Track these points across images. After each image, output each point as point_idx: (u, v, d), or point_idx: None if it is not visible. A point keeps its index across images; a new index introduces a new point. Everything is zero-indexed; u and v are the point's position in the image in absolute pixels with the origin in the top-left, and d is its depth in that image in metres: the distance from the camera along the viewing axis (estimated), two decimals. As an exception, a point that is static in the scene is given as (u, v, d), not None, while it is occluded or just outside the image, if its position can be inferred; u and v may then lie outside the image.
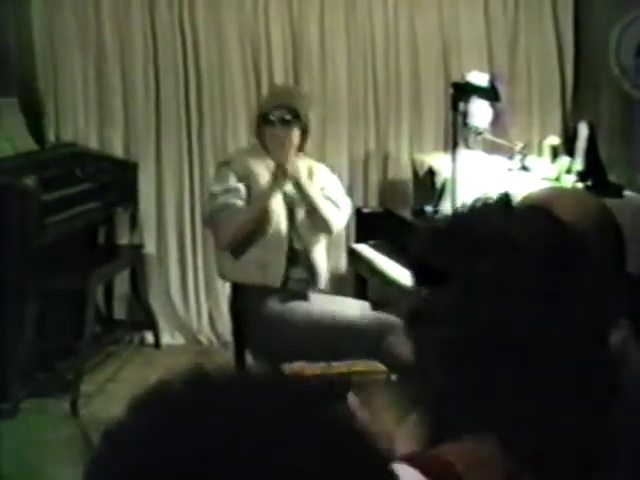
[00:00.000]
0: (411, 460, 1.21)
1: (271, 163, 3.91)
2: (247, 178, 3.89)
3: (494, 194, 1.34)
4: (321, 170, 4.09)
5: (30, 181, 4.43)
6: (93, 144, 5.31)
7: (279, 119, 3.89)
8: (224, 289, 5.36)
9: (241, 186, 3.88)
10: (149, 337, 5.39)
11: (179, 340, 5.42)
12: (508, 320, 1.20)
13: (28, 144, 4.93)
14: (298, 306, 3.83)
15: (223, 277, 4.19)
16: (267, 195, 3.85)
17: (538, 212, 1.36)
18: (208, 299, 5.47)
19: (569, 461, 1.21)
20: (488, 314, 1.21)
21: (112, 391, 4.68)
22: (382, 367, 3.68)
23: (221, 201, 3.86)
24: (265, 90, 5.31)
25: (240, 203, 3.86)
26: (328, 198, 3.97)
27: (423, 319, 1.27)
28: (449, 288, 1.23)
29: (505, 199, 1.34)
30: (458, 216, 1.35)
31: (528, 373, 1.20)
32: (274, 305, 3.81)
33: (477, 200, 1.33)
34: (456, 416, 1.24)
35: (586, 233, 1.49)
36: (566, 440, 1.21)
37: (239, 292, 3.98)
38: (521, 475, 1.19)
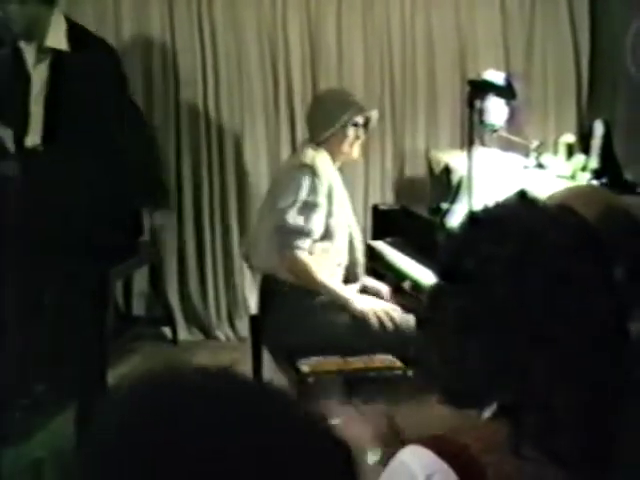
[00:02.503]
0: (426, 442, 1.25)
1: (336, 174, 3.89)
2: (330, 191, 3.80)
3: (512, 193, 1.38)
4: None
5: None
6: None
7: (355, 123, 3.89)
8: (243, 285, 5.41)
9: (326, 203, 3.77)
10: (167, 333, 5.43)
11: (197, 336, 5.45)
12: (531, 302, 1.25)
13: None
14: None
15: (256, 267, 4.13)
16: (350, 305, 3.76)
17: (565, 210, 1.40)
18: (227, 295, 5.49)
19: (582, 439, 1.24)
20: (516, 295, 1.26)
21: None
22: (398, 363, 3.69)
23: (304, 227, 3.72)
24: (283, 89, 5.34)
25: (320, 231, 3.77)
26: None
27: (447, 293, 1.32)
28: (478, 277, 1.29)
29: (524, 197, 1.39)
30: (488, 214, 1.40)
31: (545, 352, 1.24)
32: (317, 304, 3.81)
33: (508, 199, 1.39)
34: (474, 390, 1.29)
35: (608, 230, 1.52)
36: (579, 418, 1.23)
37: (273, 284, 3.91)
38: (533, 459, 1.23)
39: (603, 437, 1.25)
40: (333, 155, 3.89)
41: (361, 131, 3.94)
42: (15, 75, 3.94)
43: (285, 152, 5.26)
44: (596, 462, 1.24)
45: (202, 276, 5.49)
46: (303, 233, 3.73)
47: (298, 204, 3.73)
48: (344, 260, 3.89)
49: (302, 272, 3.74)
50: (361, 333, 3.73)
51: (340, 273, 3.90)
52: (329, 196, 3.78)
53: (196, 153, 5.38)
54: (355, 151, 3.96)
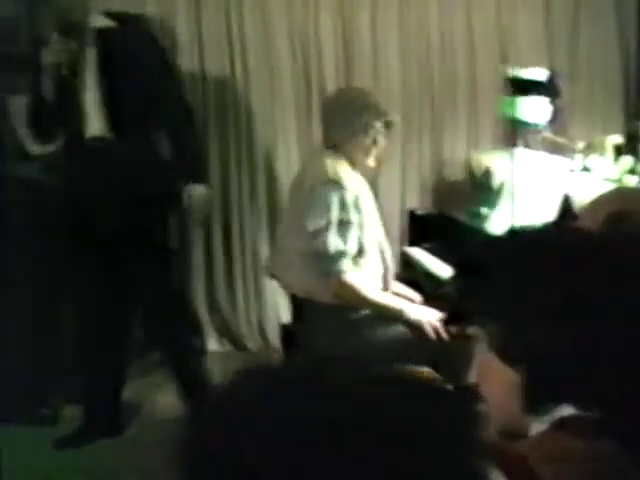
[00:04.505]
0: None
1: (360, 181, 3.69)
2: (357, 203, 3.58)
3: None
4: None
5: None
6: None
7: (381, 130, 3.67)
8: (273, 294, 5.26)
9: (357, 218, 3.57)
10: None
11: (226, 347, 5.32)
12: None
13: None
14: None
15: (288, 289, 3.93)
16: (404, 315, 3.60)
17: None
18: (256, 303, 5.36)
19: None
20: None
21: (157, 398, 4.61)
22: (436, 375, 3.53)
23: (344, 249, 3.51)
24: (316, 90, 5.19)
25: (355, 248, 3.57)
26: None
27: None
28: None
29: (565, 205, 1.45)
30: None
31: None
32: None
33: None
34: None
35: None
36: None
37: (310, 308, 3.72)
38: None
39: None
40: (351, 163, 3.67)
41: (381, 137, 3.69)
42: (67, 70, 3.97)
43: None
44: None
45: (231, 285, 5.36)
46: (344, 255, 3.52)
47: (333, 226, 3.52)
48: (379, 269, 3.72)
49: (352, 295, 3.54)
50: (402, 347, 3.56)
51: (379, 282, 3.72)
52: (357, 208, 3.58)
53: (225, 158, 5.25)
54: (371, 161, 3.70)
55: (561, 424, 1.28)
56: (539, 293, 1.29)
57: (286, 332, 4.00)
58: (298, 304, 3.81)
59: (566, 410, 1.29)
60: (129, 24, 4.11)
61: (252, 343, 5.34)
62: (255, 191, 5.26)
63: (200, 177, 4.17)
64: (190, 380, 4.22)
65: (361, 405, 0.85)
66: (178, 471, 0.87)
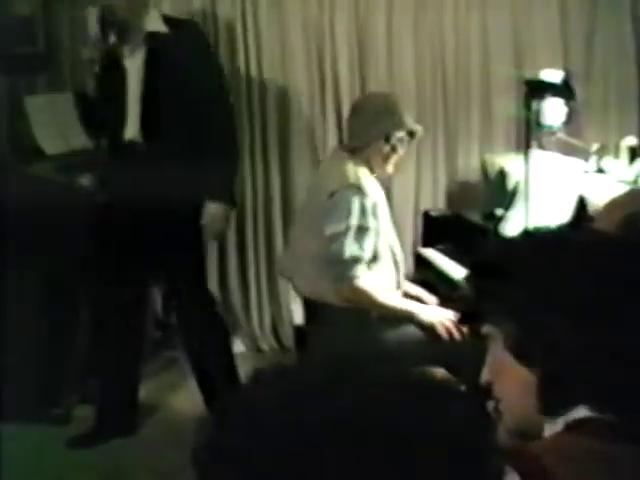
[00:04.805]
0: None
1: (377, 187, 3.69)
2: (375, 209, 3.58)
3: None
4: None
5: (85, 180, 4.35)
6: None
7: (402, 139, 3.68)
8: (286, 295, 5.25)
9: (374, 224, 3.57)
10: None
11: (239, 347, 5.31)
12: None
13: (83, 142, 4.85)
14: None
15: (300, 291, 3.91)
16: (417, 318, 3.59)
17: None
18: (271, 304, 5.35)
19: None
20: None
21: (171, 398, 4.61)
22: (449, 375, 3.51)
23: (360, 255, 3.50)
24: (329, 90, 5.17)
25: (370, 254, 3.57)
26: None
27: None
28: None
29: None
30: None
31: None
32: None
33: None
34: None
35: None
36: None
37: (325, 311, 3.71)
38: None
39: None
40: (370, 168, 3.67)
41: (401, 145, 3.69)
42: (114, 69, 3.98)
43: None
44: None
45: (245, 286, 5.35)
46: (358, 260, 3.52)
47: (351, 231, 3.51)
48: (391, 272, 3.71)
49: (364, 300, 3.54)
50: (416, 348, 3.54)
51: (391, 285, 3.71)
52: (374, 214, 3.58)
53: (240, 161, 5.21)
54: (389, 167, 3.71)
55: (576, 425, 1.27)
56: (557, 293, 1.28)
57: (299, 333, 3.99)
58: (311, 305, 3.80)
59: (581, 412, 1.28)
60: (181, 30, 4.05)
61: (265, 344, 5.32)
62: (269, 194, 5.25)
63: (224, 196, 4.08)
64: (214, 381, 4.19)
65: (377, 406, 0.85)
66: (194, 472, 0.87)
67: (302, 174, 5.19)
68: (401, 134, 3.66)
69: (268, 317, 5.36)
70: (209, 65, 4.11)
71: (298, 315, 4.82)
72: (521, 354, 1.32)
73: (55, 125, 4.65)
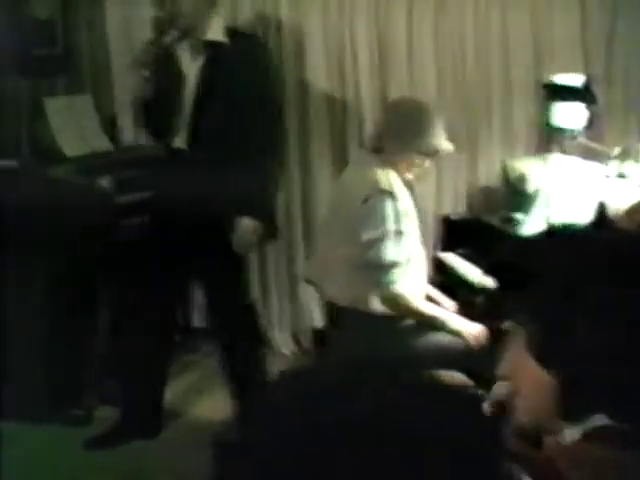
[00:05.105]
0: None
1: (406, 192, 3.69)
2: (407, 215, 3.61)
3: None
4: None
5: (105, 182, 4.36)
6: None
7: (432, 154, 3.69)
8: (307, 298, 5.24)
9: (408, 228, 3.59)
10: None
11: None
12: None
13: (103, 144, 4.87)
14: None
15: (330, 298, 3.86)
16: (447, 326, 3.61)
17: None
18: (290, 307, 5.35)
19: None
20: None
21: (192, 400, 4.61)
22: (468, 380, 3.51)
23: (397, 259, 3.52)
24: (350, 94, 5.17)
25: (405, 260, 3.57)
26: None
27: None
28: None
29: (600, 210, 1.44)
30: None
31: None
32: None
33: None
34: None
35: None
36: None
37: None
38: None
39: None
40: (396, 171, 3.68)
41: (428, 158, 3.71)
42: (169, 74, 3.99)
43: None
44: None
45: (265, 288, 5.35)
46: (396, 265, 3.53)
47: (388, 236, 3.52)
48: (419, 275, 3.71)
49: (400, 305, 3.56)
50: (443, 355, 3.57)
51: (419, 290, 3.72)
52: (407, 218, 3.60)
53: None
54: (412, 175, 3.72)
55: (594, 434, 1.27)
56: (584, 293, 1.28)
57: (320, 337, 3.99)
58: (336, 310, 3.79)
59: (601, 420, 1.28)
60: (240, 42, 4.06)
61: (285, 347, 5.32)
62: (289, 197, 5.25)
63: (256, 212, 4.07)
64: (245, 383, 4.19)
65: (389, 409, 0.86)
66: (212, 469, 0.88)
67: (322, 177, 5.20)
68: (432, 149, 3.68)
69: (288, 319, 5.37)
70: (263, 80, 4.08)
71: (318, 318, 4.82)
72: (543, 357, 1.32)
73: (75, 127, 4.68)
